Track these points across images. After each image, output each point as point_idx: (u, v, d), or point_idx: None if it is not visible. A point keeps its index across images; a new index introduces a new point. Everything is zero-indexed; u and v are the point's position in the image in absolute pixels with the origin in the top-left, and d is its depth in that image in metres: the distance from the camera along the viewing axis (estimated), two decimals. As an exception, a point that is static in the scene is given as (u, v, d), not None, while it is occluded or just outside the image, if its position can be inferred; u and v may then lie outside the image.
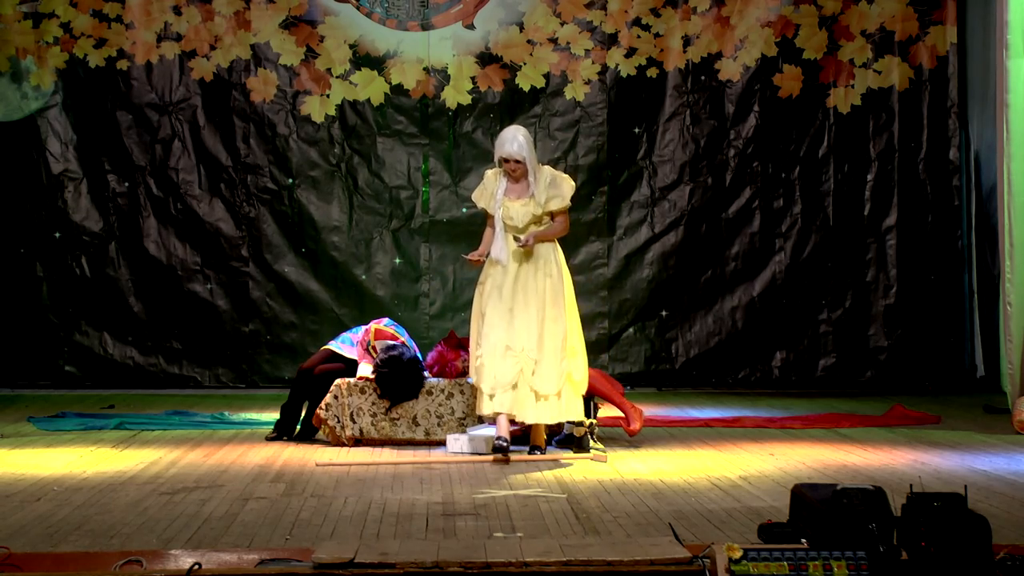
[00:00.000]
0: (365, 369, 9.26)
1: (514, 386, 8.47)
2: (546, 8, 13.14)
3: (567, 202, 8.63)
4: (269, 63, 13.07)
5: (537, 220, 8.60)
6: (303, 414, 9.47)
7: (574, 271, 13.11)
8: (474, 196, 8.85)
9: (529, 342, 8.48)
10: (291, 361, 12.72)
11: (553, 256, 8.64)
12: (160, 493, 7.19)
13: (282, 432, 9.42)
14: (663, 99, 13.18)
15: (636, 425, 9.12)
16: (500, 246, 8.62)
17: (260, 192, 13.08)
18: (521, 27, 13.16)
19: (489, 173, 8.78)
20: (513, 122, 13.04)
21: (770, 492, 7.14)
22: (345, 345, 9.52)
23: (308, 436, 9.36)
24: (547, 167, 8.71)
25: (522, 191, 8.62)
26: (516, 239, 8.55)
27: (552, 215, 8.63)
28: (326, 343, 9.81)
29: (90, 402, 11.74)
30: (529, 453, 8.58)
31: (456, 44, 13.14)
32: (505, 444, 8.34)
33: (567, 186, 8.66)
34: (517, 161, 8.57)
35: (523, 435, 8.95)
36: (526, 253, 8.58)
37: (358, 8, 13.12)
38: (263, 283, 13.05)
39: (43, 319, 12.93)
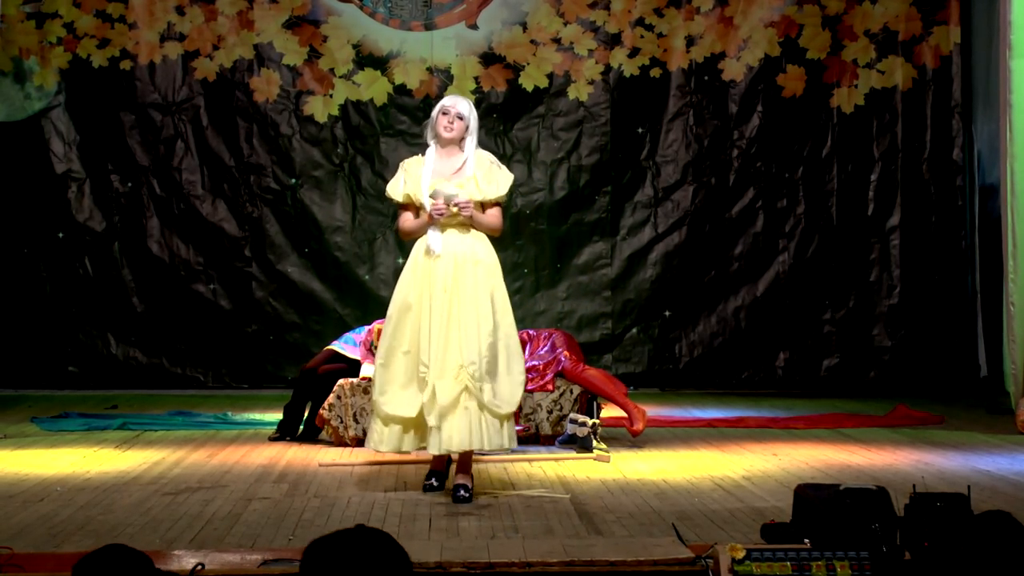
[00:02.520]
0: (368, 370, 9.25)
1: (453, 412, 7.00)
2: (549, 8, 13.13)
3: (502, 192, 7.25)
4: (272, 63, 13.07)
5: (476, 206, 7.21)
6: (306, 414, 9.47)
7: (577, 271, 13.20)
8: (389, 189, 7.42)
9: (472, 354, 7.01)
10: (294, 361, 12.70)
11: (493, 258, 7.27)
12: (163, 493, 7.19)
13: (285, 432, 9.41)
14: (666, 99, 13.18)
15: (639, 425, 9.11)
16: (436, 235, 7.18)
17: (263, 192, 13.09)
18: (524, 27, 13.16)
19: (407, 161, 7.45)
20: (516, 123, 13.08)
21: (773, 492, 7.13)
22: (348, 345, 9.52)
23: (311, 436, 9.35)
24: (488, 152, 7.46)
25: (453, 172, 7.28)
26: (446, 203, 7.13)
27: (484, 205, 7.24)
28: (329, 343, 9.82)
29: (93, 402, 11.74)
30: (458, 499, 6.95)
31: (459, 44, 13.14)
32: (437, 484, 7.20)
33: (506, 177, 7.33)
34: (459, 115, 7.25)
35: (530, 436, 8.94)
36: (460, 233, 7.20)
37: (361, 8, 13.12)
38: (266, 283, 13.06)
39: (46, 319, 12.93)
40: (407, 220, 7.32)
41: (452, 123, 7.25)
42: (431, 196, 7.18)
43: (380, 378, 7.15)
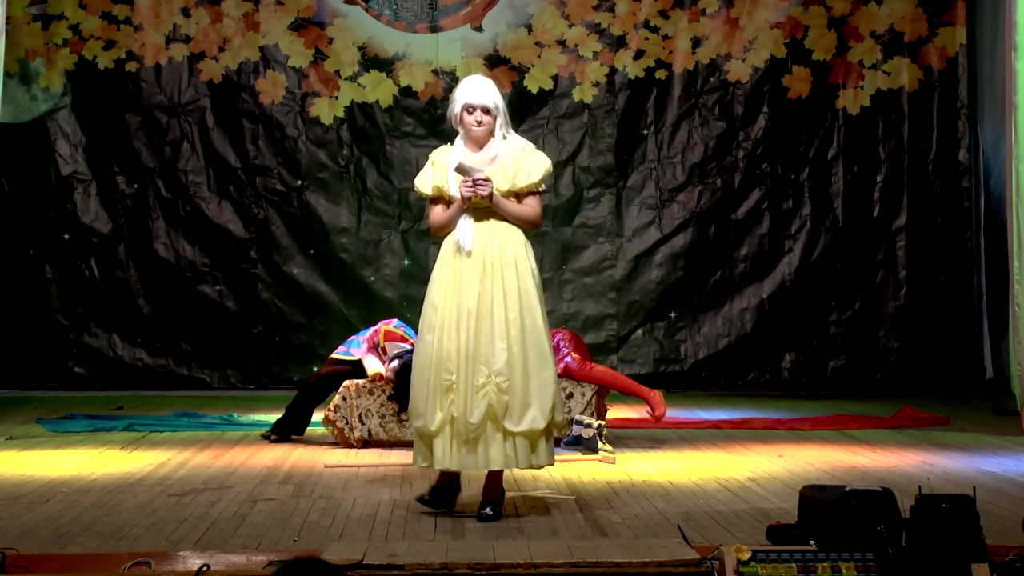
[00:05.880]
0: (374, 363, 9.19)
1: (482, 431, 6.47)
2: (554, 10, 13.13)
3: (534, 180, 6.62)
4: (278, 65, 13.08)
5: (510, 197, 6.61)
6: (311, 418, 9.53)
7: (582, 272, 13.20)
8: (417, 182, 6.75)
9: (499, 363, 6.45)
10: (300, 363, 12.73)
11: (525, 253, 6.64)
12: (169, 495, 7.20)
13: (281, 432, 9.42)
14: (672, 101, 13.17)
15: (661, 409, 9.07)
16: (467, 227, 6.57)
17: (269, 194, 13.09)
18: (529, 29, 13.16)
19: (436, 152, 6.79)
20: (521, 125, 13.07)
21: (779, 493, 7.13)
22: (354, 349, 9.46)
23: (286, 436, 9.39)
24: (520, 137, 6.80)
25: (484, 162, 6.63)
26: (464, 176, 6.52)
27: (518, 196, 6.64)
28: (334, 349, 9.75)
29: (99, 404, 11.74)
30: (481, 518, 6.49)
31: (464, 46, 13.14)
32: (430, 499, 6.67)
33: (539, 161, 6.67)
34: (485, 109, 6.63)
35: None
36: (494, 227, 6.60)
37: (367, 10, 13.12)
38: (272, 284, 13.06)
39: (52, 321, 12.94)
40: (437, 214, 6.67)
41: (480, 122, 6.63)
42: (456, 171, 6.55)
43: (412, 390, 6.62)
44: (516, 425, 6.44)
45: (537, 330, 6.55)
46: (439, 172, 6.66)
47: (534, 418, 6.46)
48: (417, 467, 6.78)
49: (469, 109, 6.64)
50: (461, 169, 6.54)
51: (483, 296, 6.50)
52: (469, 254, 6.53)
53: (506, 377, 6.43)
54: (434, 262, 6.73)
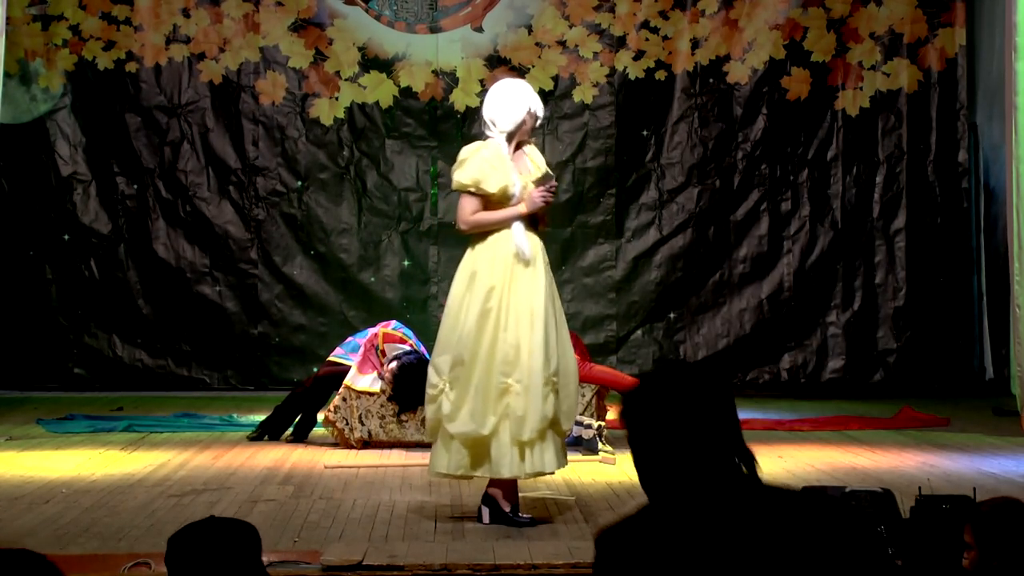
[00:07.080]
0: (363, 381, 9.18)
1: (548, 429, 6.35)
2: (555, 11, 13.14)
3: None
4: (278, 66, 13.08)
5: None
6: (297, 418, 9.53)
7: (582, 273, 13.21)
8: (476, 174, 6.47)
9: (554, 365, 6.38)
10: (300, 363, 12.72)
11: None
12: (169, 495, 7.20)
13: (265, 432, 9.44)
14: (671, 102, 13.18)
15: None
16: (522, 233, 6.50)
17: (269, 195, 13.09)
18: (530, 30, 13.16)
19: (482, 149, 6.57)
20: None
21: (779, 494, 7.12)
22: (353, 353, 9.46)
23: (302, 437, 9.40)
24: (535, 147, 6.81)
25: (522, 166, 6.61)
26: (543, 185, 6.50)
27: None
28: (332, 351, 9.75)
29: (99, 404, 11.74)
30: (481, 519, 6.46)
31: (465, 47, 13.14)
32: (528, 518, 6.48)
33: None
34: (538, 118, 6.71)
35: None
36: (532, 234, 6.60)
37: (367, 11, 13.13)
38: (272, 285, 13.06)
39: (52, 321, 12.94)
40: (481, 211, 6.47)
41: (532, 133, 6.73)
42: (537, 181, 6.50)
43: (451, 395, 6.35)
44: (566, 426, 6.48)
45: (567, 334, 6.57)
46: (504, 172, 6.48)
47: (568, 421, 6.52)
48: (435, 474, 6.46)
49: (535, 115, 6.61)
50: (545, 178, 6.49)
51: (547, 301, 6.41)
52: (527, 262, 6.42)
53: (561, 379, 6.38)
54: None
